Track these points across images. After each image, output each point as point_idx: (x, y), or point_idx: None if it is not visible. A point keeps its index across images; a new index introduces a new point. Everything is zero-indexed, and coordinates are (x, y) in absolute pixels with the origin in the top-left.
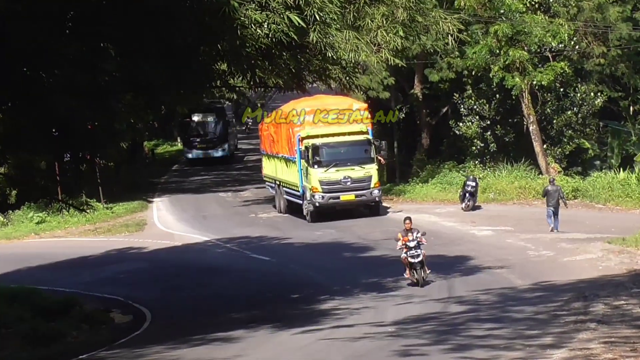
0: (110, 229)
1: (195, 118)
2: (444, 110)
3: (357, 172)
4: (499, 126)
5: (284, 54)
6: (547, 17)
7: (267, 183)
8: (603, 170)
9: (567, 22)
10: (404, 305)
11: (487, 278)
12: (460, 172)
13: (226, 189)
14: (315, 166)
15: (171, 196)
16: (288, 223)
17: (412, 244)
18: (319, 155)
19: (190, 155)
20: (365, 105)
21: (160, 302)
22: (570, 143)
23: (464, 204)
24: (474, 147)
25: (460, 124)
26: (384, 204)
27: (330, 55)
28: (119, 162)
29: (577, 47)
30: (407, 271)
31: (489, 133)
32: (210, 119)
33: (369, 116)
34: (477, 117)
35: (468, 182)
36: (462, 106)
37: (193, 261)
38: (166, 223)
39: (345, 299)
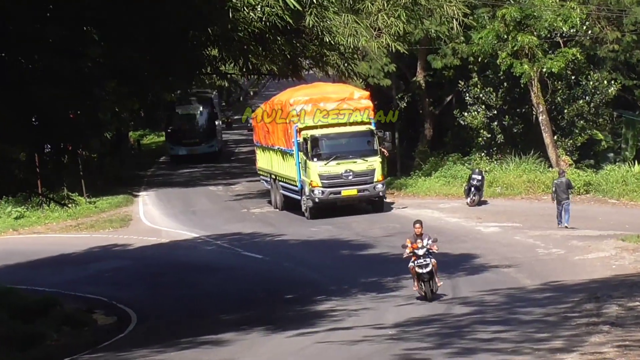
0: (93, 225)
1: (180, 110)
2: (448, 99)
3: (359, 165)
4: (506, 116)
5: (279, 38)
6: (558, 0)
7: (261, 177)
8: (617, 163)
9: (579, 5)
10: (405, 306)
11: (493, 277)
12: (465, 164)
13: (216, 182)
14: (315, 159)
15: (158, 190)
16: (282, 219)
17: (420, 252)
18: (319, 148)
19: (174, 152)
20: (367, 93)
21: (146, 302)
22: (582, 134)
23: (469, 199)
24: (479, 139)
25: (466, 114)
26: (388, 200)
27: (327, 40)
28: (103, 154)
29: (589, 32)
30: (415, 283)
31: (495, 123)
32: (196, 111)
33: (372, 105)
34: (484, 107)
35: (473, 176)
36: (467, 95)
37: (181, 259)
38: (153, 218)
39: (343, 299)
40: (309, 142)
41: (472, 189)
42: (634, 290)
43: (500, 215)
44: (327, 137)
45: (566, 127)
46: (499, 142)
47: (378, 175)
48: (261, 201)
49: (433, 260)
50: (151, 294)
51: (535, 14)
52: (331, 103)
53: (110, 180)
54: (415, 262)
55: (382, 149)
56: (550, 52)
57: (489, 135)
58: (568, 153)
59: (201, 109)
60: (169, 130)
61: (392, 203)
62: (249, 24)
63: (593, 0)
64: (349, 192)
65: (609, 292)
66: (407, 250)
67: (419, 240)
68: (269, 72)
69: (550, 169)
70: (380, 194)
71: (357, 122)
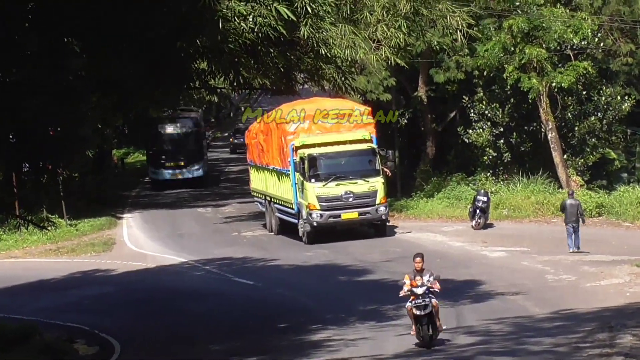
0: (74, 249)
1: (163, 129)
2: (452, 115)
3: (360, 186)
4: (513, 133)
5: (272, 50)
6: (568, 11)
7: (255, 199)
8: (631, 184)
9: (590, 16)
10: (406, 335)
11: (500, 305)
12: (470, 185)
13: (205, 203)
14: (312, 180)
15: (143, 212)
16: (275, 243)
17: (419, 291)
18: (316, 167)
19: (156, 176)
20: (369, 109)
21: (130, 331)
22: (594, 153)
23: (474, 222)
24: (485, 157)
25: (470, 131)
26: (391, 223)
27: (323, 52)
28: (85, 173)
29: (601, 44)
30: (413, 326)
31: (502, 141)
32: (182, 130)
33: (373, 121)
34: (489, 124)
35: (479, 197)
36: (472, 111)
37: (168, 285)
38: (137, 242)
39: (340, 328)
40: (306, 161)
41: (478, 211)
42: None
43: (507, 239)
44: (326, 156)
45: (577, 146)
46: (505, 161)
47: (380, 197)
48: (253, 224)
49: (434, 300)
50: (136, 322)
51: (544, 25)
52: (330, 120)
53: (93, 201)
54: (414, 302)
55: (385, 169)
56: (560, 65)
57: (495, 154)
58: (579, 173)
59: (187, 128)
60: (150, 152)
61: (396, 227)
62: (240, 35)
63: (605, 10)
64: (350, 215)
65: (623, 321)
66: (405, 288)
67: (418, 277)
68: (261, 86)
69: (560, 189)
70: (383, 217)
71: (357, 140)
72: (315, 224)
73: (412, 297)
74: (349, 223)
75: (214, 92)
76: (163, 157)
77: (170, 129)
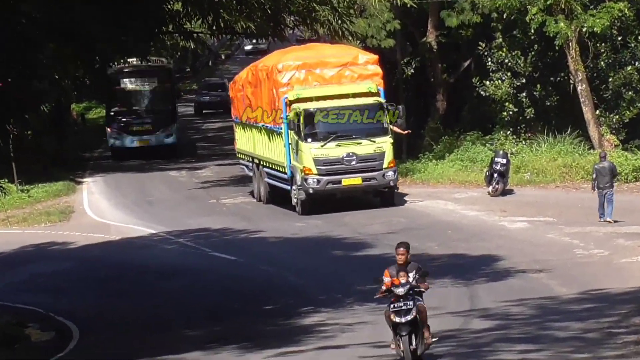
0: (26, 218)
1: (127, 84)
2: (466, 64)
3: (364, 147)
4: (537, 86)
5: None
6: None
7: (240, 161)
8: None
9: None
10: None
11: (520, 284)
12: (487, 145)
13: (179, 166)
14: (309, 139)
15: (107, 175)
16: (261, 212)
17: (401, 291)
18: (314, 125)
19: (117, 143)
20: (376, 57)
21: (91, 314)
22: (631, 108)
23: (491, 187)
24: (504, 113)
25: (487, 83)
26: (401, 190)
27: None
28: (39, 131)
29: None
30: (392, 337)
31: (524, 94)
32: (149, 85)
33: (381, 72)
34: (509, 74)
35: (497, 159)
36: (489, 59)
37: (135, 261)
38: (100, 211)
39: (335, 311)
40: (301, 117)
41: (495, 175)
42: None
43: (530, 207)
44: (325, 112)
45: (611, 100)
46: (528, 117)
47: (388, 160)
48: (235, 190)
49: (420, 303)
50: (98, 303)
51: None
52: (330, 69)
53: (48, 163)
54: (393, 305)
55: (395, 127)
56: (591, 7)
57: (516, 109)
58: (613, 131)
59: (156, 83)
60: (111, 113)
61: (405, 195)
62: None
63: None
64: (352, 180)
65: None
66: (383, 287)
67: (402, 274)
68: (245, 30)
69: (591, 150)
70: (391, 183)
71: (362, 93)
72: (311, 190)
73: (392, 299)
74: (350, 190)
75: (189, 38)
76: (125, 119)
77: (134, 84)
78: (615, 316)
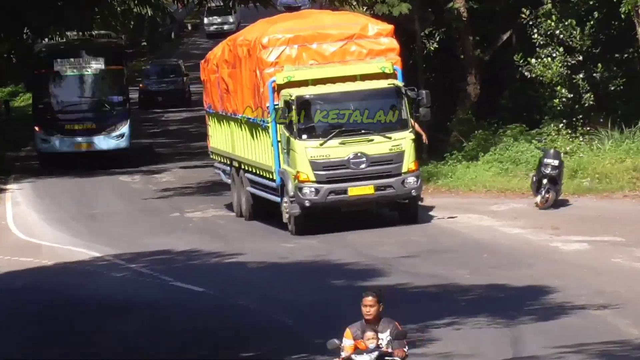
0: None
1: (62, 67)
2: (505, 37)
3: (377, 145)
4: (599, 65)
5: None
6: None
7: (216, 164)
8: None
9: None
10: None
11: (579, 324)
12: (534, 142)
13: (132, 169)
14: (304, 136)
15: (37, 181)
16: (238, 229)
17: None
18: (310, 117)
19: (45, 146)
20: (391, 27)
21: None
22: None
23: (539, 197)
24: (556, 101)
25: (533, 61)
26: (426, 203)
27: None
28: None
29: None
30: None
31: (581, 76)
32: (92, 68)
33: (397, 47)
34: (561, 50)
35: (547, 160)
36: (535, 31)
37: (74, 293)
38: (28, 227)
39: (332, 358)
40: (294, 107)
41: (545, 181)
42: None
43: (590, 223)
44: (325, 100)
45: None
46: (586, 105)
47: (409, 162)
48: (206, 200)
49: None
50: (21, 351)
51: None
52: (331, 43)
53: None
54: None
55: (414, 123)
56: None
57: (571, 95)
58: None
59: (102, 65)
60: (39, 106)
61: (431, 208)
62: None
63: None
64: (361, 190)
65: None
66: (343, 354)
67: (369, 334)
68: None
69: None
70: (414, 192)
71: (373, 75)
72: (307, 203)
73: None
74: (359, 202)
75: (146, 3)
76: (59, 115)
77: (71, 67)
78: None
